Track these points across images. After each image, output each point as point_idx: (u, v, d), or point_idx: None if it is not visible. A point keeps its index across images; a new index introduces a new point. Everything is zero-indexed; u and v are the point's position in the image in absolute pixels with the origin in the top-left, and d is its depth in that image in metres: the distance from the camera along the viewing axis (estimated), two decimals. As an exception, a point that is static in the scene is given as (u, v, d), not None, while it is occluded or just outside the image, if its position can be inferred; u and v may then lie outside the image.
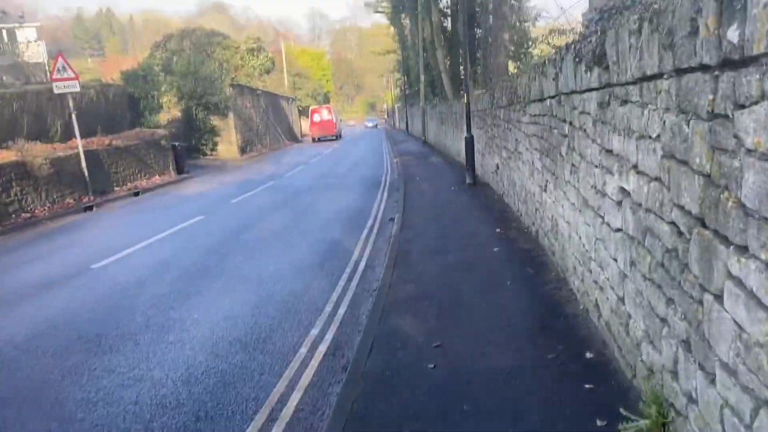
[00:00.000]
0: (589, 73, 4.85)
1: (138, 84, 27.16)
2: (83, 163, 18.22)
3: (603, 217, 4.76)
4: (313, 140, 50.31)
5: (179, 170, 26.07)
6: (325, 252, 9.63)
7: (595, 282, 5.11)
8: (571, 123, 5.81)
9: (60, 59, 17.73)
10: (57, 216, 15.91)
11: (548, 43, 21.13)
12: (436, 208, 12.53)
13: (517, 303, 6.09)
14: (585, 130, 5.21)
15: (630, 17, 3.77)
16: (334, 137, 50.09)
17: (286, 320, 6.53)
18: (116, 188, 20.36)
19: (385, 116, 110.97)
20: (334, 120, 50.41)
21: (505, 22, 24.04)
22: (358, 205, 14.31)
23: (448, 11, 32.89)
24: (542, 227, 7.97)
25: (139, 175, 22.46)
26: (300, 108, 65.26)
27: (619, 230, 4.33)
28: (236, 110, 36.43)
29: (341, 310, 6.73)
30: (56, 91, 17.86)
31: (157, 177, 23.67)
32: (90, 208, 17.35)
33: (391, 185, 17.96)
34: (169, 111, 34.19)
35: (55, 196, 17.08)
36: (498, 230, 9.53)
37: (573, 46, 5.30)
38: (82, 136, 21.41)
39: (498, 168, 12.86)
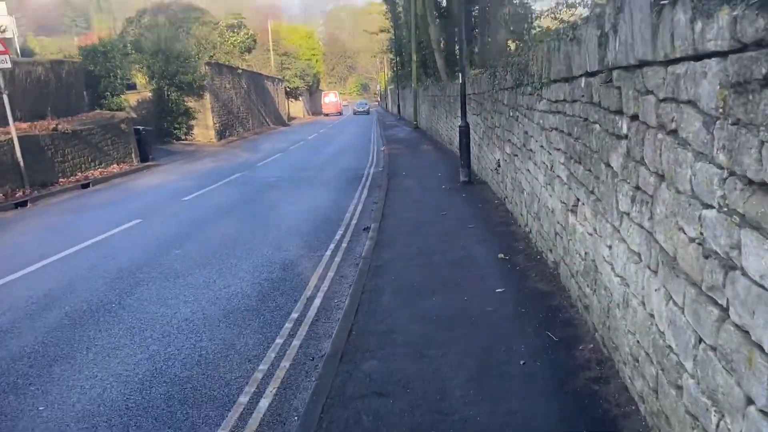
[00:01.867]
0: (701, 23, 2.44)
1: (98, 61, 24.45)
2: (17, 152, 15.67)
3: (725, 308, 2.39)
4: (325, 115, 68.13)
5: (143, 158, 23.52)
6: (272, 282, 7.23)
7: (694, 418, 2.75)
8: (636, 117, 3.41)
9: (-15, 29, 15.12)
10: (-23, 214, 13.44)
11: (555, 17, 18.64)
12: (422, 216, 10.14)
13: (539, 411, 3.72)
14: (676, 133, 2.82)
15: None
16: (339, 113, 69.52)
17: (176, 417, 4.15)
18: (62, 179, 17.79)
19: (378, 99, 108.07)
20: (340, 102, 73.18)
21: (504, -4, 21.52)
22: (330, 207, 11.90)
23: (443, -15, 30.24)
24: (567, 262, 5.60)
25: (93, 163, 19.89)
26: (288, 89, 62.40)
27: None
28: (213, 91, 33.76)
29: (263, 404, 4.35)
30: (-20, 67, 15.23)
31: (115, 166, 21.10)
32: (23, 204, 14.86)
33: (373, 180, 15.54)
34: (140, 92, 31.61)
35: (-21, 191, 14.60)
36: (501, 255, 7.15)
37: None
38: (28, 119, 18.99)
39: (499, 165, 10.45)
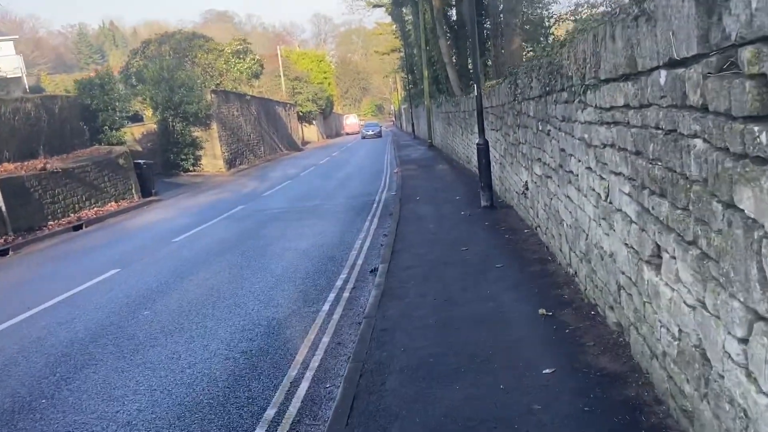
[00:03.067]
0: None
1: (95, 95, 23.40)
2: (-1, 196, 14.47)
3: None
4: (347, 134, 77.62)
5: (145, 193, 22.32)
6: (250, 356, 5.69)
7: None
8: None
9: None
10: (-49, 267, 12.17)
11: (575, 20, 17.10)
12: (439, 252, 8.56)
13: None
14: None
15: None
16: (358, 132, 69.95)
17: None
18: (52, 222, 16.54)
19: (393, 118, 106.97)
20: (358, 123, 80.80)
21: (517, 3, 20.10)
22: (334, 244, 10.37)
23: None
24: (642, 332, 3.97)
25: (87, 202, 18.65)
26: (300, 114, 61.42)
27: None
28: (220, 119, 32.65)
29: None
30: (-43, 106, 14.12)
31: (113, 203, 19.87)
32: (4, 252, 13.59)
33: (384, 207, 14.03)
34: (145, 124, 30.66)
35: (-46, 240, 13.37)
36: (541, 310, 5.53)
37: None
38: (18, 159, 17.94)
39: (527, 188, 8.86)
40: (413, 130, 50.53)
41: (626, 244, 4.15)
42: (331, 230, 11.71)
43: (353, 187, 19.09)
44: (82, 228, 16.70)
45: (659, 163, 3.34)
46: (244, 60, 38.98)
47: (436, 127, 30.75)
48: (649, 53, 3.34)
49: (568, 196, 6.15)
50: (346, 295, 7.39)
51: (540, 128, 7.41)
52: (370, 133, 57.44)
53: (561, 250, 6.79)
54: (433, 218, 11.25)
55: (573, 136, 5.60)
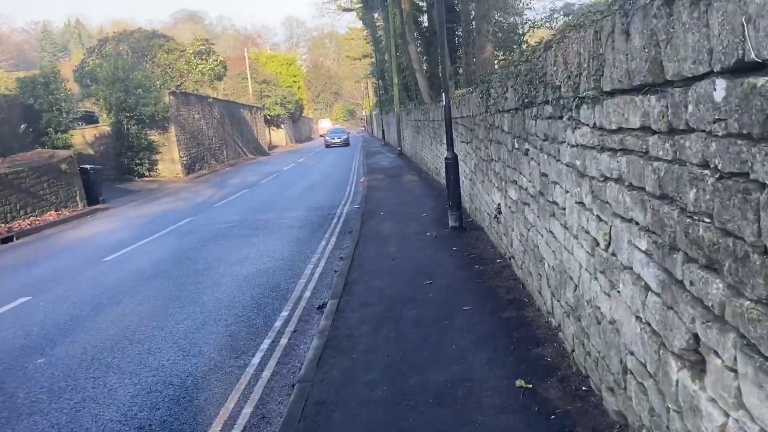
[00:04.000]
0: None
1: (39, 94, 21.71)
2: None
3: None
4: (321, 136, 73.23)
5: (92, 200, 20.74)
6: (150, 430, 4.43)
7: None
8: None
9: None
10: None
11: (550, 27, 16.20)
12: (399, 285, 7.37)
13: None
14: None
15: None
16: None
17: None
18: (-23, 234, 14.94)
19: (365, 124, 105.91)
20: (331, 126, 76.79)
21: (489, 10, 19.10)
22: (281, 269, 9.13)
23: (423, 4, 27.77)
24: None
25: (22, 211, 17.04)
26: (268, 117, 59.80)
27: None
28: (179, 122, 31.05)
29: None
30: None
31: (52, 212, 18.27)
32: None
33: (345, 223, 12.83)
34: (97, 126, 28.92)
35: None
36: (520, 381, 4.37)
37: None
38: (-56, 163, 16.29)
39: (500, 213, 7.75)
40: (383, 137, 49.43)
41: (638, 318, 3.03)
42: (281, 251, 10.45)
43: (315, 198, 17.82)
44: (12, 240, 15.14)
45: (707, 221, 2.21)
46: (206, 61, 37.40)
47: (405, 135, 29.69)
48: (692, 53, 2.21)
49: (550, 232, 5.03)
50: (283, 341, 6.16)
51: (516, 146, 6.30)
52: (336, 140, 50.03)
53: (540, 293, 5.66)
54: (396, 239, 10.07)
55: (559, 161, 4.48)
